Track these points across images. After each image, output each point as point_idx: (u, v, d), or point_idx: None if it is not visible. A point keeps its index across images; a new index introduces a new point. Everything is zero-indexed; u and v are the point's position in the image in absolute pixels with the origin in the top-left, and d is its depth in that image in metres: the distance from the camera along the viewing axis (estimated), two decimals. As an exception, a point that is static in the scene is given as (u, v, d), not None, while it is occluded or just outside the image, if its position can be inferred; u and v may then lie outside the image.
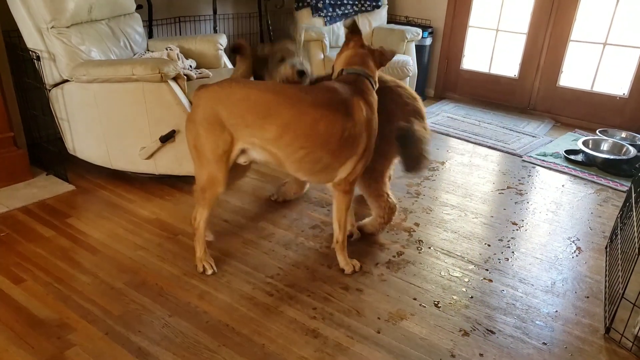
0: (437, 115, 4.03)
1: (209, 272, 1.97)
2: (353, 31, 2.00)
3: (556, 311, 1.88)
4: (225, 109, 1.76)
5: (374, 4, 4.16)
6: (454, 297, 1.92)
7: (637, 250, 1.68)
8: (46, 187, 2.56)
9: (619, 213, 2.33)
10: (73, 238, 2.17)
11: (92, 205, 2.45)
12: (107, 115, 2.47)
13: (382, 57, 1.99)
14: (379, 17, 4.24)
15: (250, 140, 1.80)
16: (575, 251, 2.28)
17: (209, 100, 1.78)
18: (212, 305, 1.81)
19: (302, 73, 1.97)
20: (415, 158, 1.95)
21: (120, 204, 2.47)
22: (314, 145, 1.76)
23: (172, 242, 2.18)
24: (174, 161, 2.54)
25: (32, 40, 2.45)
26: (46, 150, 2.75)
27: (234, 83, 1.81)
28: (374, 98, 1.91)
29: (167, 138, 2.45)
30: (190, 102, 2.48)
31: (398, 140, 1.96)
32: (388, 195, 2.17)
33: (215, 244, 2.18)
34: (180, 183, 2.70)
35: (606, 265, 2.17)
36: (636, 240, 1.74)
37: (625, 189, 2.89)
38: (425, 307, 1.86)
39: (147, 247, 2.13)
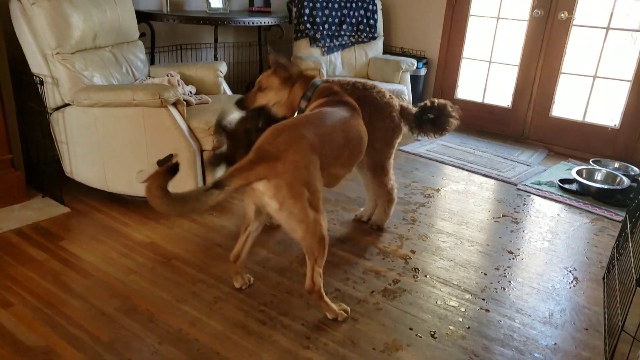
0: (432, 143, 4.06)
1: (348, 313, 1.91)
2: (278, 66, 2.08)
3: (555, 343, 1.86)
4: (325, 155, 1.77)
5: (370, 35, 4.25)
6: (451, 328, 1.90)
7: (635, 281, 1.67)
8: (41, 209, 2.55)
9: (615, 243, 2.33)
10: (65, 261, 2.15)
11: (86, 228, 2.43)
12: (106, 139, 2.48)
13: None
14: (375, 48, 4.32)
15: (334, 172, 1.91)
16: (572, 281, 2.27)
17: (308, 149, 1.71)
18: (203, 332, 1.78)
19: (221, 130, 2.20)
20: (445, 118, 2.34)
21: (115, 227, 2.46)
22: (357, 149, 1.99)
23: (166, 266, 2.16)
24: (170, 185, 2.53)
25: (36, 65, 2.49)
26: (43, 172, 2.74)
27: (315, 125, 1.81)
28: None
29: (165, 162, 2.45)
30: (190, 128, 2.50)
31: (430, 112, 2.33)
32: (391, 182, 2.46)
33: (208, 269, 2.16)
34: (175, 208, 2.68)
35: (604, 296, 2.15)
36: (633, 271, 1.73)
37: (620, 218, 2.90)
38: (421, 337, 1.83)
39: (140, 272, 2.11)
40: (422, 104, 2.38)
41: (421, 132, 2.43)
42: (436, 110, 2.36)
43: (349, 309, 1.93)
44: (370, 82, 2.39)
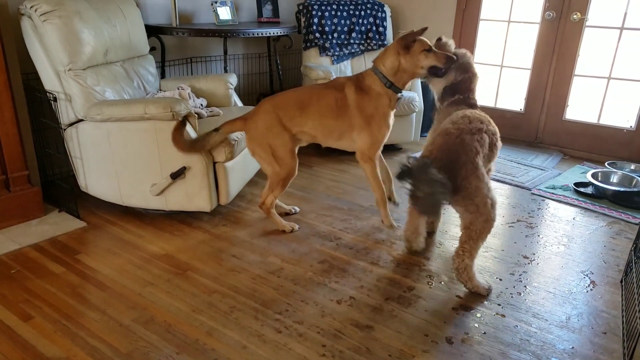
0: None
1: (295, 228, 2.62)
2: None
3: (572, 347, 1.83)
4: (282, 112, 2.46)
5: (380, 42, 4.26)
6: (467, 333, 1.88)
7: (652, 283, 1.64)
8: (58, 224, 2.59)
9: (633, 246, 2.29)
10: (82, 274, 2.18)
11: (102, 242, 2.46)
12: (119, 153, 2.52)
13: (404, 41, 2.44)
14: (385, 55, 4.33)
15: (298, 128, 2.50)
16: (589, 285, 2.23)
17: (266, 113, 2.45)
18: (220, 342, 1.79)
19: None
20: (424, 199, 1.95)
21: (130, 239, 2.49)
22: (323, 116, 2.48)
23: (181, 277, 2.18)
24: (184, 197, 2.56)
25: (49, 82, 2.54)
26: (59, 187, 2.79)
27: (280, 94, 2.54)
28: (369, 84, 2.49)
29: (178, 175, 2.49)
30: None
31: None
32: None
33: (223, 279, 2.17)
34: (189, 219, 2.71)
35: (622, 300, 2.12)
36: (651, 273, 1.70)
37: (637, 221, 2.86)
38: (437, 343, 1.82)
39: (156, 283, 2.13)
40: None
41: None
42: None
43: (297, 227, 2.63)
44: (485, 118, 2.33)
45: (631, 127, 3.81)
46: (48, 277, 2.15)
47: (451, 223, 2.79)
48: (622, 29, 3.72)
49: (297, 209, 2.85)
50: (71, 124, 2.60)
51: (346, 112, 2.48)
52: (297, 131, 2.48)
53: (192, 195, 2.56)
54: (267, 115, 2.43)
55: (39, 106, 2.72)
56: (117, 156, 2.53)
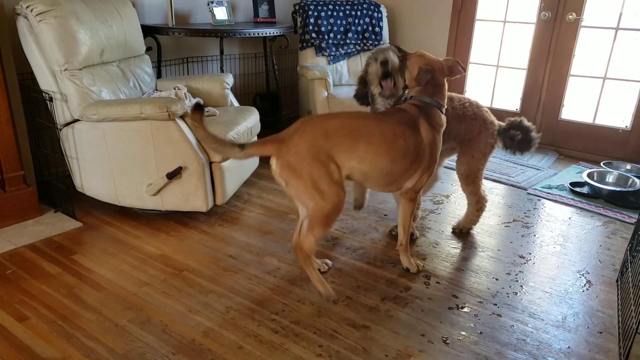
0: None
1: (332, 295, 2.07)
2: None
3: (568, 347, 1.83)
4: (331, 141, 1.92)
5: (376, 42, 4.27)
6: (463, 333, 1.88)
7: (647, 282, 1.65)
8: (54, 224, 2.58)
9: (628, 246, 2.30)
10: (78, 275, 2.17)
11: (98, 242, 2.45)
12: (115, 153, 2.52)
13: (450, 72, 2.25)
14: (382, 55, 4.33)
15: (349, 164, 1.97)
16: (585, 285, 2.24)
17: (314, 139, 1.90)
18: (216, 342, 1.78)
19: (384, 63, 2.24)
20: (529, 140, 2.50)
21: (126, 240, 2.48)
22: (392, 158, 2.01)
23: (177, 278, 2.17)
24: (180, 197, 2.56)
25: (45, 82, 2.53)
26: (55, 187, 2.78)
27: (328, 116, 2.02)
28: (439, 121, 2.15)
29: (174, 175, 2.49)
30: (198, 140, 2.53)
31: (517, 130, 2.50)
32: (482, 191, 2.61)
33: (220, 279, 2.17)
34: (185, 219, 2.71)
35: (618, 299, 2.13)
36: (646, 272, 1.71)
37: (632, 221, 2.87)
38: (433, 343, 1.82)
39: (152, 284, 2.12)
40: (510, 121, 2.54)
41: (505, 147, 2.58)
42: (522, 129, 2.51)
43: (333, 293, 2.06)
44: (480, 103, 2.59)
45: (626, 127, 3.83)
46: (44, 278, 2.14)
47: (447, 223, 2.79)
48: (617, 29, 3.74)
49: (330, 264, 2.32)
50: (67, 124, 2.59)
51: (419, 154, 2.06)
52: (348, 166, 1.97)
53: (189, 195, 2.55)
54: (313, 140, 1.88)
55: (34, 106, 2.72)
56: (113, 156, 2.53)
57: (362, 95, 2.44)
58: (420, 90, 2.18)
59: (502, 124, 2.57)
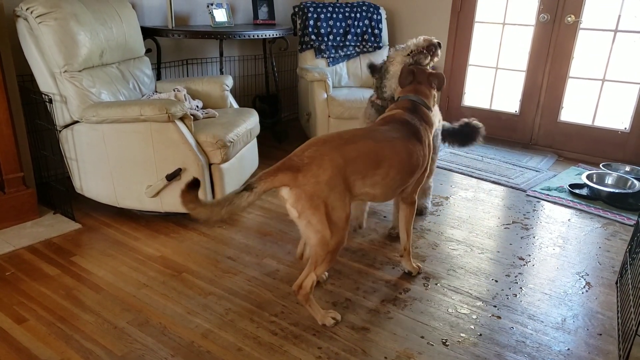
0: (440, 151, 4.05)
1: (338, 319, 1.94)
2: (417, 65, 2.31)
3: (568, 349, 1.83)
4: (351, 168, 1.81)
5: (376, 44, 4.27)
6: (462, 335, 1.88)
7: (647, 284, 1.65)
8: (53, 226, 2.58)
9: (628, 247, 2.30)
10: (77, 276, 2.17)
11: (97, 243, 2.45)
12: (115, 155, 2.51)
13: (437, 81, 2.22)
14: (381, 57, 4.33)
15: (362, 190, 1.88)
16: (584, 286, 2.24)
17: (329, 167, 1.77)
18: (215, 344, 1.78)
19: (438, 44, 2.43)
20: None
21: (126, 241, 2.48)
22: (405, 173, 1.99)
23: (177, 279, 2.17)
24: (179, 199, 2.55)
25: (45, 84, 2.53)
26: (54, 189, 2.78)
27: (342, 141, 1.85)
28: (430, 121, 2.17)
29: (173, 176, 2.48)
30: (197, 142, 2.53)
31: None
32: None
33: (219, 281, 2.17)
34: (185, 220, 2.71)
35: (618, 301, 2.13)
36: (646, 274, 1.71)
37: (632, 222, 2.87)
38: (433, 345, 1.82)
39: (151, 285, 2.12)
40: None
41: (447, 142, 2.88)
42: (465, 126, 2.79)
43: (339, 317, 1.95)
44: None
45: (625, 128, 3.83)
46: (42, 280, 2.13)
47: (447, 225, 2.79)
48: (616, 31, 3.74)
49: (327, 275, 2.25)
50: (66, 126, 2.59)
51: (423, 161, 2.09)
52: (361, 192, 1.89)
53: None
54: (333, 170, 1.76)
55: (34, 108, 2.72)
56: (113, 158, 2.53)
57: (375, 68, 2.62)
58: (406, 90, 2.21)
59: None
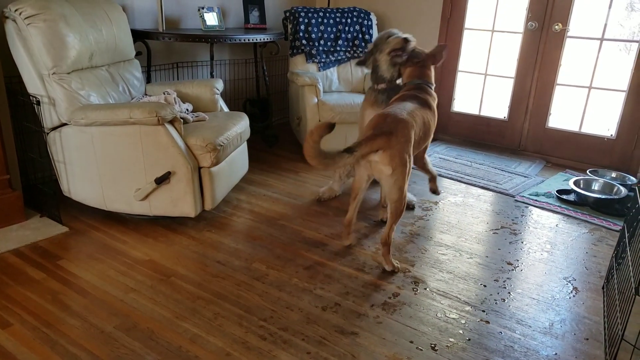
0: (430, 157, 4.07)
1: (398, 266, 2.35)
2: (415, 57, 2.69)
3: (556, 354, 1.85)
4: (417, 129, 2.31)
5: (366, 50, 4.29)
6: (451, 340, 1.89)
7: (633, 290, 1.67)
8: (39, 229, 2.55)
9: (614, 252, 2.33)
10: (64, 280, 2.14)
11: (84, 247, 2.43)
12: (103, 158, 2.49)
13: (434, 59, 2.66)
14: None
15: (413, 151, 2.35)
16: (572, 291, 2.26)
17: (409, 128, 2.23)
18: (203, 349, 1.77)
19: (406, 40, 2.66)
20: None
21: (113, 245, 2.46)
22: (425, 132, 2.45)
23: (165, 284, 2.15)
24: (168, 202, 2.54)
25: (33, 85, 2.50)
26: (41, 192, 2.75)
27: (403, 107, 2.34)
28: (434, 94, 2.62)
29: (162, 180, 2.47)
30: (187, 145, 2.52)
31: None
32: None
33: (207, 285, 2.15)
34: (174, 224, 2.69)
35: (604, 306, 2.15)
36: (632, 280, 1.73)
37: (618, 228, 2.91)
38: (422, 350, 1.82)
39: (139, 289, 2.10)
40: None
41: None
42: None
43: (399, 266, 2.35)
44: None
45: (612, 135, 3.89)
46: (28, 284, 2.10)
47: (436, 230, 2.80)
48: (602, 39, 3.80)
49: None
50: (54, 128, 2.56)
51: (434, 125, 2.58)
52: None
53: (177, 201, 2.54)
54: (411, 130, 2.24)
55: (21, 110, 2.69)
56: (101, 161, 2.50)
57: (364, 61, 2.93)
58: (409, 76, 2.66)
59: None
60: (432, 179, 2.98)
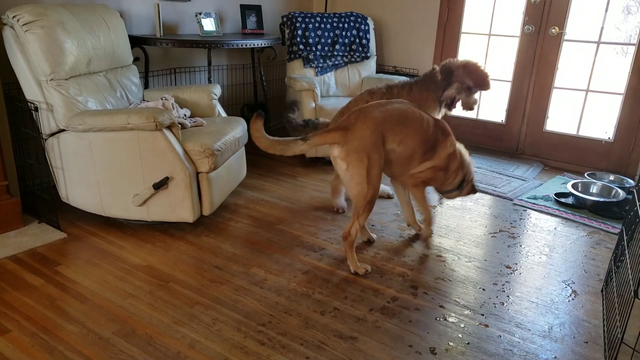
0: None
1: (369, 270, 2.33)
2: None
3: (555, 357, 1.84)
4: (388, 125, 2.23)
5: (363, 55, 4.31)
6: (450, 344, 1.88)
7: (632, 293, 1.67)
8: (37, 235, 2.54)
9: (612, 255, 2.33)
10: (62, 286, 2.13)
11: (82, 253, 2.42)
12: (101, 164, 2.49)
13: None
14: (368, 67, 4.38)
15: (391, 147, 2.26)
16: (571, 295, 2.26)
17: (373, 127, 2.17)
18: (202, 354, 1.76)
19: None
20: None
21: (111, 251, 2.45)
22: (416, 140, 2.34)
23: (163, 289, 2.15)
24: (166, 208, 2.54)
25: (31, 92, 2.51)
26: (39, 198, 2.75)
27: (383, 105, 2.28)
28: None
29: (160, 185, 2.47)
30: (185, 150, 2.52)
31: None
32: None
33: (206, 290, 2.15)
34: (172, 229, 2.69)
35: (603, 309, 2.15)
36: (631, 283, 1.73)
37: (616, 231, 2.91)
38: (421, 354, 1.82)
39: (137, 295, 2.10)
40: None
41: None
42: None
43: (369, 268, 2.34)
44: None
45: (609, 138, 3.90)
46: (26, 290, 2.10)
47: (434, 233, 2.80)
48: (599, 42, 3.82)
49: (375, 237, 2.70)
50: (52, 134, 2.56)
51: (434, 141, 2.42)
52: (389, 148, 2.26)
53: (175, 206, 2.53)
54: (376, 126, 2.18)
55: (19, 116, 2.69)
56: (99, 166, 2.50)
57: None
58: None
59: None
60: (425, 220, 2.63)
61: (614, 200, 3.17)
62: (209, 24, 3.69)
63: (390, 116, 2.24)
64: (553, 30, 3.93)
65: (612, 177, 3.61)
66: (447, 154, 2.44)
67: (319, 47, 4.13)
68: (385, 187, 3.29)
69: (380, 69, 4.71)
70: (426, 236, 2.67)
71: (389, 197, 3.29)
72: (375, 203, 2.26)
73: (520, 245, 2.71)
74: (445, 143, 2.43)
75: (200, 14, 3.66)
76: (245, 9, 4.05)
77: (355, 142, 2.15)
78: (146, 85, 3.51)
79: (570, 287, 2.32)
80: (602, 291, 2.29)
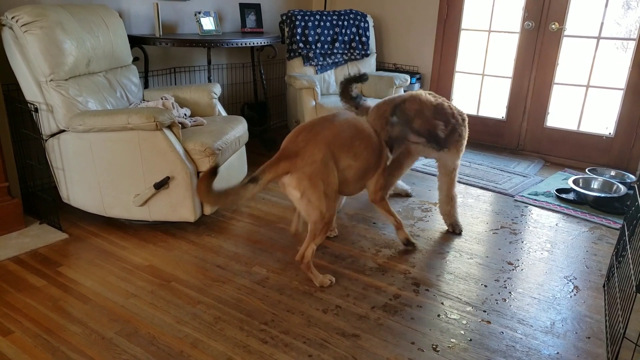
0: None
1: (333, 281, 2.23)
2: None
3: (557, 353, 1.84)
4: (336, 147, 2.12)
5: (363, 52, 4.30)
6: (453, 340, 1.88)
7: (634, 288, 1.67)
8: (39, 236, 2.54)
9: (614, 251, 2.33)
10: (64, 287, 2.14)
11: (84, 253, 2.42)
12: (102, 164, 2.49)
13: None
14: (368, 64, 4.37)
15: (345, 163, 2.16)
16: (572, 290, 2.26)
17: (322, 148, 2.07)
18: (205, 354, 1.76)
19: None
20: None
21: (113, 251, 2.45)
22: (365, 157, 2.22)
23: (165, 289, 2.15)
24: (167, 207, 2.54)
25: (30, 92, 2.50)
26: (40, 199, 2.75)
27: (330, 121, 2.18)
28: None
29: (161, 185, 2.47)
30: (186, 150, 2.52)
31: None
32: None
33: (208, 290, 2.15)
34: (173, 229, 2.69)
35: (605, 304, 2.15)
36: (633, 278, 1.73)
37: (618, 226, 2.91)
38: (423, 351, 1.82)
39: (139, 295, 2.10)
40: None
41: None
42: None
43: (334, 279, 2.23)
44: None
45: (610, 134, 3.89)
46: (28, 291, 2.10)
47: (436, 230, 2.80)
48: (599, 38, 3.81)
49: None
50: (53, 135, 2.56)
51: (380, 155, 2.35)
52: (344, 165, 2.16)
53: (176, 206, 2.54)
54: (327, 147, 2.07)
55: (19, 117, 2.69)
56: (100, 167, 2.50)
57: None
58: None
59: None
60: (397, 226, 2.55)
61: (615, 195, 3.17)
62: (208, 23, 3.69)
63: (342, 132, 2.14)
64: (553, 26, 3.92)
65: (613, 173, 3.60)
66: (385, 152, 2.40)
67: (319, 45, 4.13)
68: (404, 186, 3.27)
69: (380, 67, 4.70)
70: (403, 239, 2.57)
71: (407, 195, 3.28)
72: (331, 224, 2.19)
73: (522, 242, 2.71)
74: (382, 144, 2.38)
75: (199, 13, 3.65)
76: (244, 8, 4.04)
77: (307, 168, 2.02)
78: (146, 85, 3.51)
79: (572, 283, 2.32)
80: (604, 286, 2.29)
